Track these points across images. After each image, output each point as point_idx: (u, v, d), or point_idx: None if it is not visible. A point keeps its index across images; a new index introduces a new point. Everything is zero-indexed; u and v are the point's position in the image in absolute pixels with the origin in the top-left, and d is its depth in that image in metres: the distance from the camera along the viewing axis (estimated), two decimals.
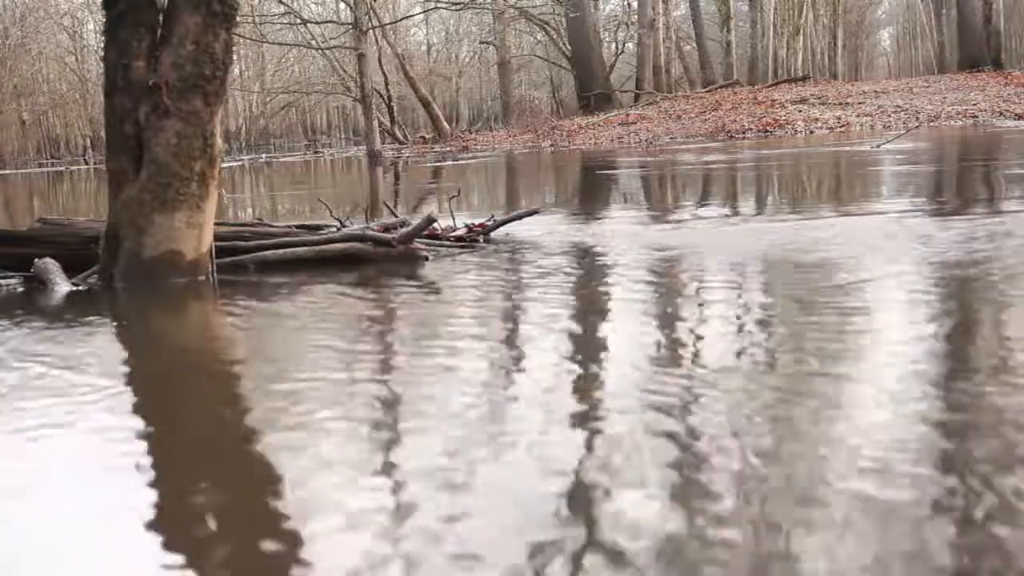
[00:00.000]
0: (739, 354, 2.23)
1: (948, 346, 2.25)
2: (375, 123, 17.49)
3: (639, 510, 1.36)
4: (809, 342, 2.32)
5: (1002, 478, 1.41)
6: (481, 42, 34.72)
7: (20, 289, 3.78)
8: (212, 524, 1.43)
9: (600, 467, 1.54)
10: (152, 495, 1.58)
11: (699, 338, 2.47)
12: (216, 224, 3.89)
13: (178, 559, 1.32)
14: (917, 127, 14.51)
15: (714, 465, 1.52)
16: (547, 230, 4.88)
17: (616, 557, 1.23)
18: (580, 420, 1.80)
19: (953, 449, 1.56)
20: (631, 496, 1.42)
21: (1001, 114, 15.50)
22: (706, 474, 1.49)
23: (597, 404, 1.91)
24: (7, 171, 25.41)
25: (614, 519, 1.34)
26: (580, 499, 1.42)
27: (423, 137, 24.48)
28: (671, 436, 1.67)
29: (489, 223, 4.70)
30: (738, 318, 2.68)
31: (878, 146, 10.70)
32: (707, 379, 2.03)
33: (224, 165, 6.91)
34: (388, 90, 22.28)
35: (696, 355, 2.29)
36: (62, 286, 3.65)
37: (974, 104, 16.62)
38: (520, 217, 4.89)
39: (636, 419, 1.77)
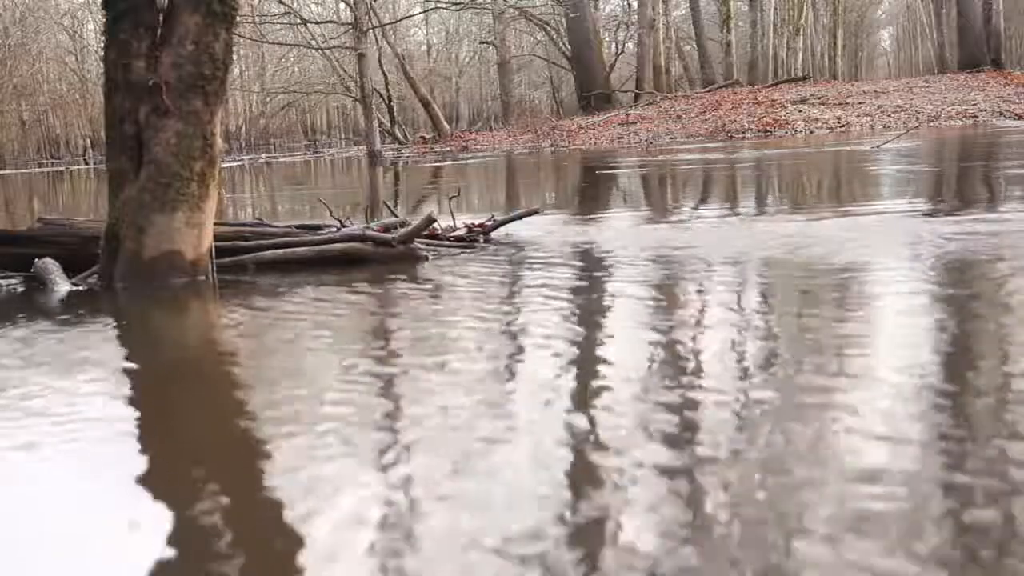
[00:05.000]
0: (740, 357, 2.23)
1: (951, 337, 2.26)
2: (375, 123, 17.50)
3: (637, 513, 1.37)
4: (808, 345, 2.32)
5: None
6: (481, 42, 34.70)
7: (20, 289, 3.78)
8: (209, 523, 1.43)
9: (596, 470, 1.55)
10: (149, 494, 1.58)
11: (700, 340, 2.47)
12: (216, 224, 3.89)
13: (175, 558, 1.32)
14: (917, 127, 14.51)
15: (717, 481, 1.52)
16: (547, 230, 4.88)
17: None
18: (581, 423, 1.80)
19: None
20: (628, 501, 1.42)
21: (1001, 114, 15.50)
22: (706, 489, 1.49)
23: (597, 406, 1.91)
24: (7, 171, 25.41)
25: (609, 528, 1.34)
26: (576, 505, 1.43)
27: (423, 137, 24.47)
28: (669, 443, 1.67)
29: (489, 223, 4.70)
30: (738, 319, 2.68)
31: (878, 146, 10.69)
32: (711, 385, 2.03)
33: (224, 165, 6.91)
34: (388, 90, 22.28)
35: (697, 357, 2.29)
36: (62, 286, 3.65)
37: (974, 104, 16.62)
38: (520, 217, 4.89)
39: (635, 420, 1.77)
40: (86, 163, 28.76)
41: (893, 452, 1.54)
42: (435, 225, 4.33)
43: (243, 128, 36.28)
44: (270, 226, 4.39)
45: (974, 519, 1.29)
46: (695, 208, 6.09)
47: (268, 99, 33.71)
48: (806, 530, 1.27)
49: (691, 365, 2.19)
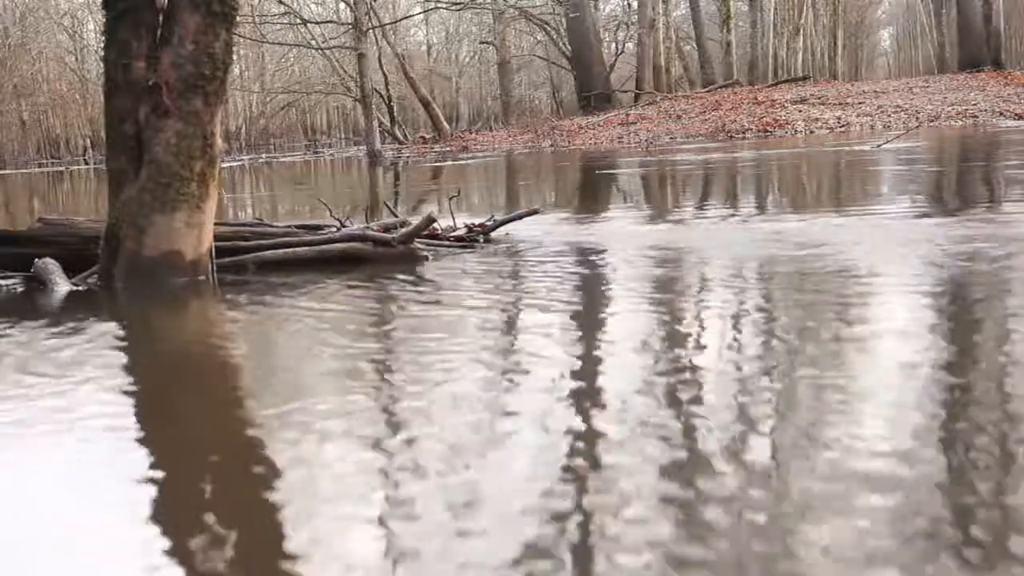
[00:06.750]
0: (738, 358, 2.24)
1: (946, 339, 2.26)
2: (375, 123, 17.49)
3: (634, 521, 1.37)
4: (805, 347, 2.33)
5: None
6: (481, 42, 34.69)
7: (20, 289, 3.78)
8: (208, 523, 1.43)
9: (593, 475, 1.55)
10: (148, 494, 1.58)
11: (699, 340, 2.47)
12: (216, 224, 3.89)
13: (173, 558, 1.32)
14: (917, 127, 14.51)
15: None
16: (547, 230, 4.88)
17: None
18: (581, 425, 1.80)
19: None
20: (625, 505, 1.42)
21: (1001, 114, 15.49)
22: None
23: (597, 408, 1.91)
24: (7, 171, 25.42)
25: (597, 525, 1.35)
26: (573, 514, 1.43)
27: (423, 137, 24.46)
28: (667, 448, 1.67)
29: (489, 223, 4.70)
30: (737, 320, 2.68)
31: (878, 146, 10.70)
32: (708, 385, 2.04)
33: (224, 165, 6.92)
34: (388, 90, 22.27)
35: (696, 357, 2.29)
36: (62, 286, 3.65)
37: (974, 104, 16.61)
38: (520, 217, 4.89)
39: (634, 422, 1.77)
40: (86, 163, 28.76)
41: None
42: (435, 225, 4.33)
43: (243, 128, 36.26)
44: (270, 226, 4.39)
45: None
46: (695, 208, 6.09)
47: (268, 99, 33.68)
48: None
49: (692, 372, 2.19)
